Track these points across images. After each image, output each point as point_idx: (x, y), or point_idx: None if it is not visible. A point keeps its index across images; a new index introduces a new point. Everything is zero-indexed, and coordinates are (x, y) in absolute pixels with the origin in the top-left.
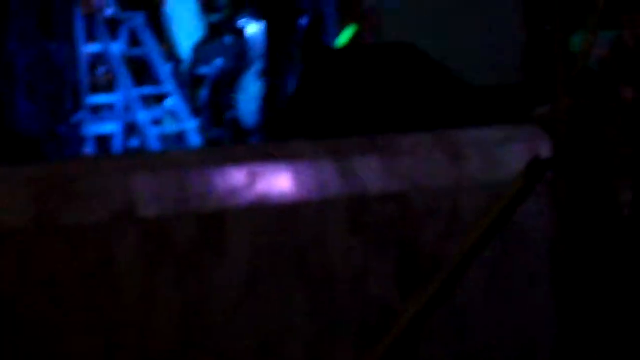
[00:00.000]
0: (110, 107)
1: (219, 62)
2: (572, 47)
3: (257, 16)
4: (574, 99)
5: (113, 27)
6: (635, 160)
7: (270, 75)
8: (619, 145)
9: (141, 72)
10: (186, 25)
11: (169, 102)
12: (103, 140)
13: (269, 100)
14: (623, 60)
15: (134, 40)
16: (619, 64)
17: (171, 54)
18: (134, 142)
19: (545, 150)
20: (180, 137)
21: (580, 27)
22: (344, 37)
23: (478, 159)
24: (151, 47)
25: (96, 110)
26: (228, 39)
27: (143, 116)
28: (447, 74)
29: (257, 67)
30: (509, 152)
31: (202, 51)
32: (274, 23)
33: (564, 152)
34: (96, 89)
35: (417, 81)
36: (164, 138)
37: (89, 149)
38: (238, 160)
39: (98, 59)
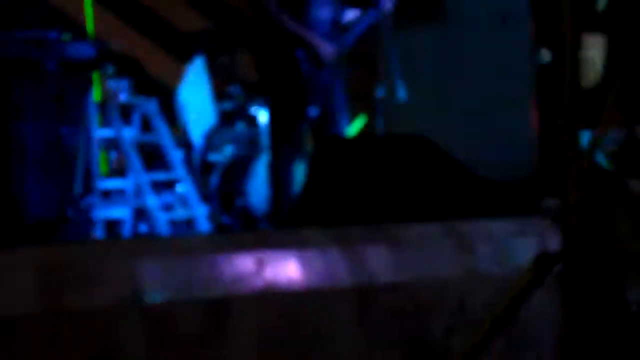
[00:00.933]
0: (120, 191)
1: (230, 149)
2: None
3: (269, 104)
4: (583, 193)
5: (126, 112)
6: None
7: (277, 164)
8: (630, 241)
9: (153, 157)
10: (199, 112)
11: (180, 188)
12: (113, 225)
13: (276, 188)
14: (634, 155)
15: (147, 126)
16: (630, 159)
17: (183, 140)
18: (144, 228)
19: (554, 243)
20: (190, 224)
21: (591, 122)
22: (355, 127)
23: (487, 251)
24: (163, 133)
25: (107, 194)
26: (240, 127)
27: (153, 201)
28: (458, 167)
29: (268, 154)
30: (518, 244)
31: (213, 138)
32: (283, 112)
33: (573, 246)
34: (107, 173)
35: (428, 173)
36: (174, 224)
37: (98, 233)
38: (246, 247)
39: (110, 144)
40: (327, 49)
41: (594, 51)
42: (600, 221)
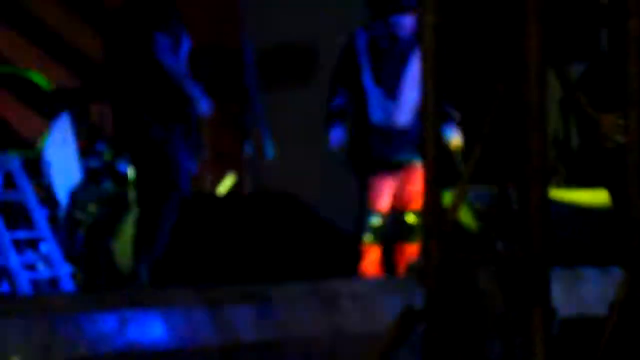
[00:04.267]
0: None
1: (95, 207)
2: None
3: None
4: (446, 252)
5: None
6: (507, 312)
7: (146, 221)
8: (493, 299)
9: (15, 215)
10: (64, 169)
11: (43, 247)
12: None
13: (145, 246)
14: (504, 215)
15: (10, 183)
16: (500, 218)
17: (47, 198)
18: (5, 287)
19: (419, 302)
20: (53, 283)
21: (454, 180)
22: (224, 186)
23: (353, 309)
24: (26, 191)
25: None
26: (106, 185)
27: (15, 260)
28: (324, 224)
29: (135, 212)
30: (383, 302)
31: (79, 196)
32: (150, 170)
33: (435, 304)
34: None
35: (294, 230)
36: (37, 283)
37: None
38: (109, 306)
39: None
40: (204, 104)
41: None
42: (464, 280)
